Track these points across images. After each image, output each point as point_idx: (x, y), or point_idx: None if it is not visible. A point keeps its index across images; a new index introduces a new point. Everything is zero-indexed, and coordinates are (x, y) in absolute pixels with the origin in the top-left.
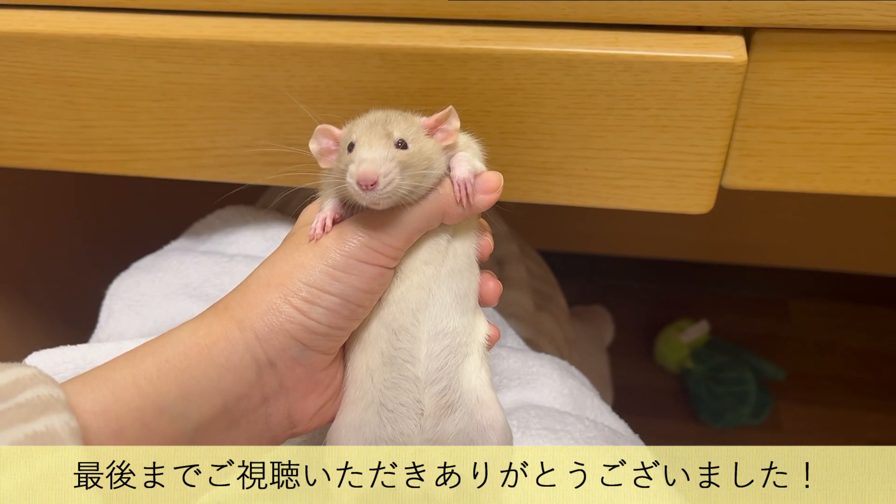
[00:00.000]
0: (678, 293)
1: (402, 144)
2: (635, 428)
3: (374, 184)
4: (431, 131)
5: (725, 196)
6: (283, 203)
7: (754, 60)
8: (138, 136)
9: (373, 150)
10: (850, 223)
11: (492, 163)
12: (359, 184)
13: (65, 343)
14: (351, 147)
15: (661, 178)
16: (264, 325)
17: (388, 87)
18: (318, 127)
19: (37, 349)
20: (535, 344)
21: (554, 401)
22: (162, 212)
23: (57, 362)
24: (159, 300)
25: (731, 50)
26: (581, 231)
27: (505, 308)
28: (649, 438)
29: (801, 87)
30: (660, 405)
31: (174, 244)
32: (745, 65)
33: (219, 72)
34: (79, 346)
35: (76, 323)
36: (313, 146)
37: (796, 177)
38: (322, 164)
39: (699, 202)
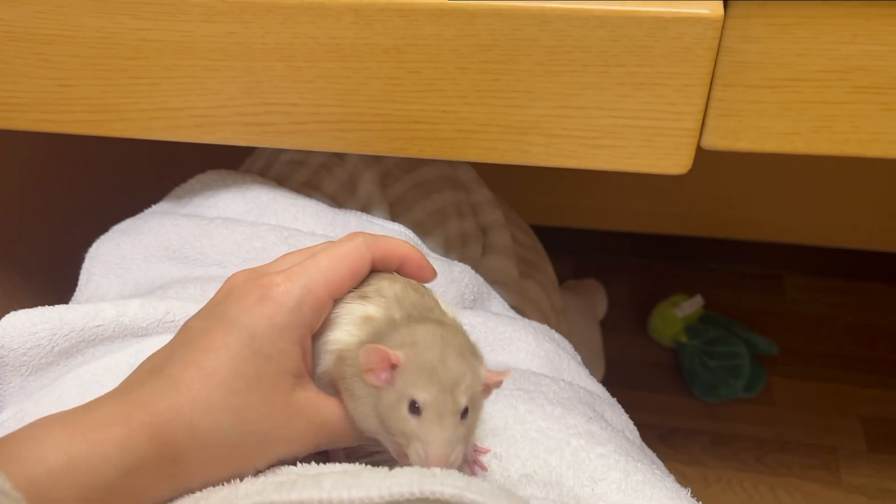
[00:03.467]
0: (672, 268)
1: (465, 413)
2: (629, 402)
3: None
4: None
5: (721, 170)
6: (264, 167)
7: (731, 16)
8: (115, 96)
9: (445, 430)
10: (846, 199)
11: (468, 123)
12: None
13: (49, 304)
14: (414, 406)
15: (639, 138)
16: (199, 477)
17: (362, 44)
18: (372, 347)
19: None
20: (520, 311)
21: (530, 363)
22: (149, 175)
23: (34, 322)
24: (139, 263)
25: (707, 5)
26: (575, 206)
27: (489, 275)
28: (643, 413)
29: (780, 44)
30: (653, 379)
31: (155, 207)
32: (721, 20)
33: (192, 28)
34: (56, 306)
35: (61, 285)
36: (363, 358)
37: (775, 137)
38: (370, 381)
39: (677, 162)
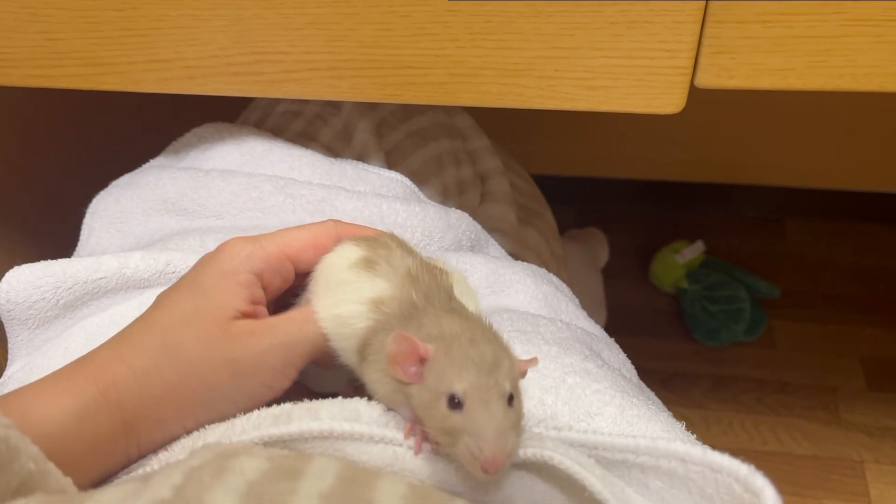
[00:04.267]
0: (674, 214)
1: (511, 400)
2: (630, 347)
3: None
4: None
5: (721, 115)
6: (260, 119)
7: None
8: (105, 49)
9: (494, 418)
10: (847, 140)
11: (461, 66)
12: (485, 470)
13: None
14: (454, 401)
15: (632, 77)
16: (149, 438)
17: None
18: (401, 335)
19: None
20: (519, 258)
21: (529, 305)
22: (148, 130)
23: (38, 276)
24: (138, 216)
25: None
26: (577, 154)
27: (488, 222)
28: (644, 358)
29: None
30: (655, 325)
31: (153, 162)
32: None
33: None
34: (59, 260)
35: (63, 241)
36: (392, 347)
37: (770, 74)
38: (397, 374)
39: (671, 101)
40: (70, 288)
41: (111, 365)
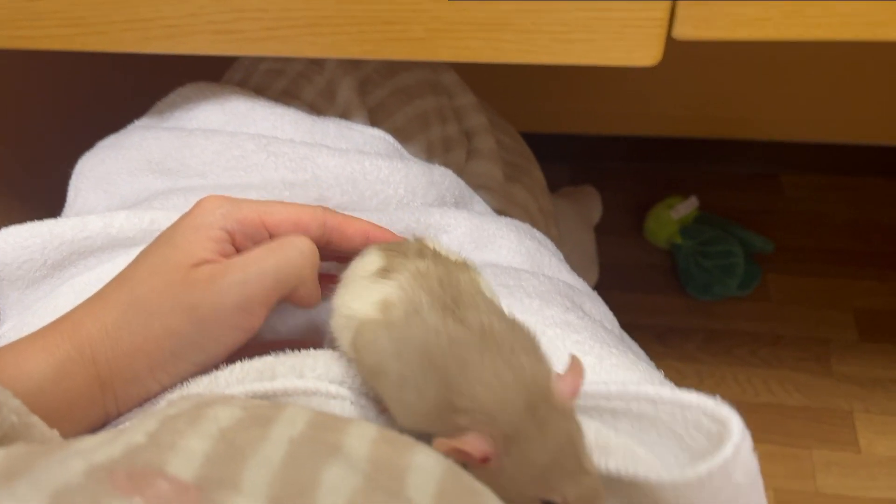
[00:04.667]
0: (669, 170)
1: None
2: (625, 304)
3: None
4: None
5: (715, 70)
6: (244, 78)
7: None
8: (85, 9)
9: (592, 474)
10: (842, 93)
11: (439, 21)
12: None
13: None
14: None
15: (609, 30)
16: (125, 394)
17: None
18: (454, 451)
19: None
20: (506, 214)
21: (512, 259)
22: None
23: (25, 237)
24: (124, 177)
25: None
26: (570, 111)
27: (474, 179)
28: (639, 314)
29: None
30: (649, 281)
31: (137, 123)
32: None
33: None
34: (46, 220)
35: (51, 203)
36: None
37: (747, 24)
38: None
39: (648, 54)
40: (57, 248)
41: (85, 322)
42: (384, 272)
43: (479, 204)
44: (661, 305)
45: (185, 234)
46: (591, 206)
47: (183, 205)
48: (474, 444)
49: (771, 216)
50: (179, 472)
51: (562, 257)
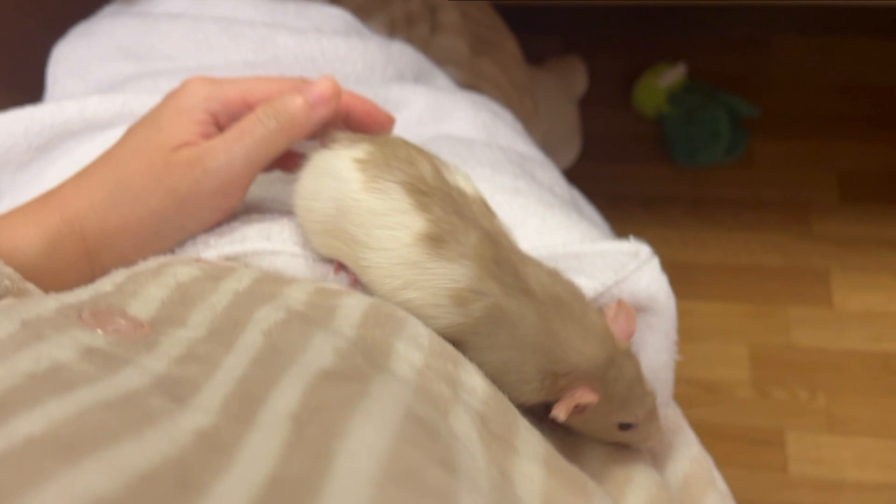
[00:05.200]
0: (657, 38)
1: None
2: (612, 174)
3: None
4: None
5: None
6: None
7: None
8: None
9: (659, 427)
10: None
11: None
12: None
13: None
14: (625, 425)
15: None
16: (112, 268)
17: None
18: (562, 406)
19: None
20: (476, 88)
21: (468, 131)
22: None
23: (8, 122)
24: (97, 63)
25: None
26: None
27: (439, 53)
28: (626, 183)
29: None
30: (637, 151)
31: (106, 9)
32: None
33: None
34: (26, 107)
35: (36, 95)
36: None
37: None
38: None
39: None
40: (38, 132)
41: (74, 198)
42: (437, 242)
43: (441, 78)
44: (648, 174)
45: (170, 117)
46: (575, 78)
47: (153, 88)
48: (586, 396)
49: (760, 81)
50: (138, 313)
51: (519, 128)
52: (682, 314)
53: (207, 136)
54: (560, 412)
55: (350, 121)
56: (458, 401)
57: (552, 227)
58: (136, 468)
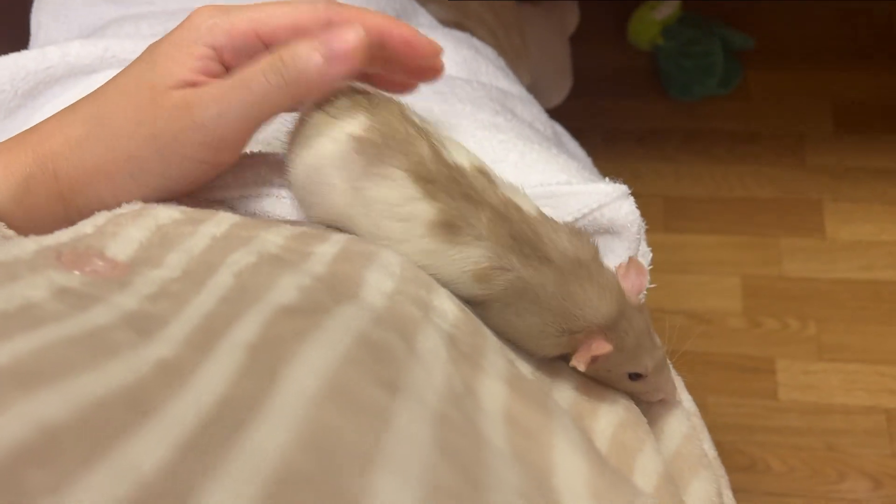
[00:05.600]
0: None
1: None
2: (607, 109)
3: None
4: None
5: None
6: None
7: None
8: None
9: (670, 378)
10: None
11: None
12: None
13: None
14: (637, 376)
15: None
16: (88, 211)
17: None
18: (583, 358)
19: None
20: (460, 26)
21: (449, 69)
22: None
23: None
24: (79, 8)
25: None
26: None
27: None
28: (620, 118)
29: None
30: (632, 86)
31: None
32: None
33: None
34: (10, 54)
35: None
36: (580, 365)
37: None
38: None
39: None
40: (24, 78)
41: (53, 134)
42: (451, 228)
43: (423, 16)
44: (643, 109)
45: (166, 51)
46: (565, 13)
47: (134, 32)
48: (601, 347)
49: (755, 12)
50: (116, 255)
51: (502, 64)
52: (675, 247)
53: (210, 74)
54: (579, 363)
55: (385, 52)
56: (428, 322)
57: (531, 162)
58: (90, 396)
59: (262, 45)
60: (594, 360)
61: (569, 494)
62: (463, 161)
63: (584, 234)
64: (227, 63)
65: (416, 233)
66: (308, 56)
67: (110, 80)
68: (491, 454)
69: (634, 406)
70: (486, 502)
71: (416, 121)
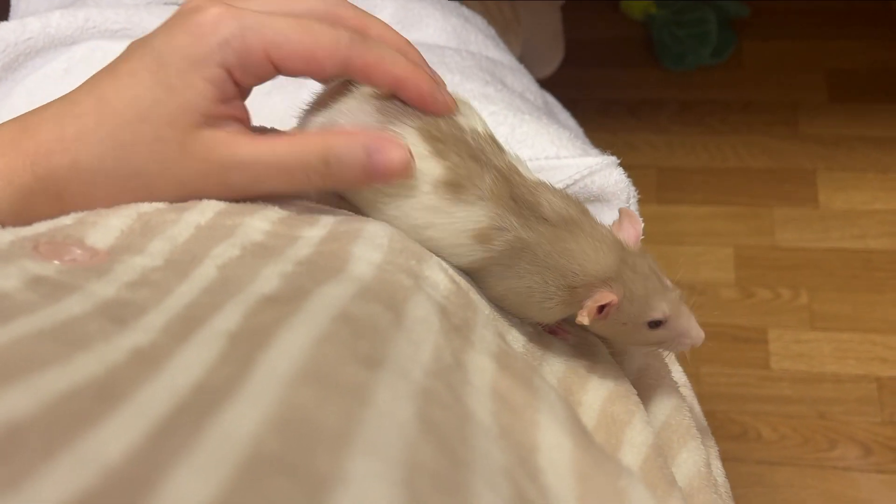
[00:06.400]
0: None
1: None
2: (600, 79)
3: None
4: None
5: None
6: None
7: None
8: None
9: (690, 318)
10: None
11: None
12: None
13: None
14: (654, 323)
15: None
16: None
17: None
18: (588, 308)
19: None
20: None
21: (437, 38)
22: None
23: None
24: None
25: None
26: None
27: None
28: (613, 89)
29: None
30: (624, 55)
31: None
32: None
33: None
34: None
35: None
36: (582, 319)
37: None
38: (581, 321)
39: None
40: (3, 51)
41: (55, 152)
42: (456, 188)
43: None
44: (636, 79)
45: (180, 71)
46: None
47: (115, 1)
48: (605, 296)
49: None
50: (96, 243)
51: (492, 33)
52: (669, 218)
53: (226, 97)
54: (583, 316)
55: (397, 93)
56: (419, 290)
57: (522, 134)
58: (57, 389)
59: (273, 69)
60: (604, 314)
61: (553, 473)
62: (476, 126)
63: (575, 198)
64: (236, 80)
65: (422, 189)
66: (351, 168)
67: (116, 85)
68: (475, 430)
69: (625, 379)
70: (468, 480)
71: None
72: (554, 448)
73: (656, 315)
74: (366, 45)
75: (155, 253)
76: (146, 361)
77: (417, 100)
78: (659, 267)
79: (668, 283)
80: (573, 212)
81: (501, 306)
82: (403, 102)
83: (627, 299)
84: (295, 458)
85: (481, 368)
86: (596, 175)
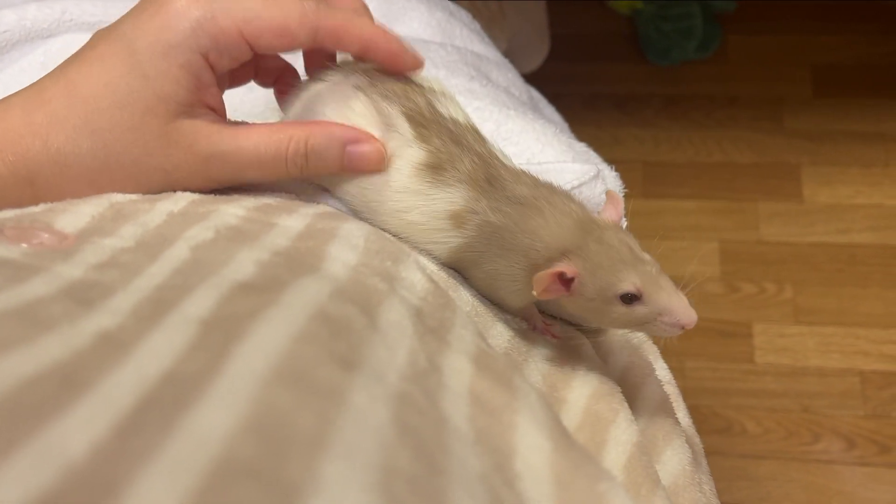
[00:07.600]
0: None
1: None
2: (586, 73)
3: None
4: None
5: None
6: None
7: None
8: None
9: (676, 293)
10: None
11: None
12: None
13: None
14: (628, 297)
15: None
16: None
17: None
18: (542, 277)
19: None
20: None
21: (422, 32)
22: None
23: None
24: None
25: None
26: None
27: None
28: (599, 83)
29: None
30: (611, 50)
31: None
32: None
33: None
34: None
35: None
36: (538, 290)
37: None
38: (544, 297)
39: None
40: None
41: (24, 136)
42: (436, 170)
43: None
44: (622, 73)
45: (154, 61)
46: None
47: None
48: (563, 266)
49: None
50: (65, 228)
51: (477, 27)
52: (654, 213)
53: (201, 86)
54: (538, 285)
55: (367, 58)
56: (394, 294)
57: (507, 131)
58: (19, 375)
59: (248, 48)
60: (571, 290)
61: (530, 478)
62: (458, 116)
63: (557, 184)
64: (211, 63)
65: (404, 172)
66: (327, 159)
67: (85, 71)
68: (452, 435)
69: (609, 377)
70: (444, 486)
71: (410, 78)
72: (532, 451)
73: (625, 286)
74: (331, 10)
75: (126, 236)
76: (113, 346)
77: (388, 57)
78: (636, 241)
79: (647, 256)
80: (545, 191)
81: (485, 296)
82: (386, 88)
83: (589, 271)
84: (268, 463)
85: (458, 370)
86: (584, 187)
